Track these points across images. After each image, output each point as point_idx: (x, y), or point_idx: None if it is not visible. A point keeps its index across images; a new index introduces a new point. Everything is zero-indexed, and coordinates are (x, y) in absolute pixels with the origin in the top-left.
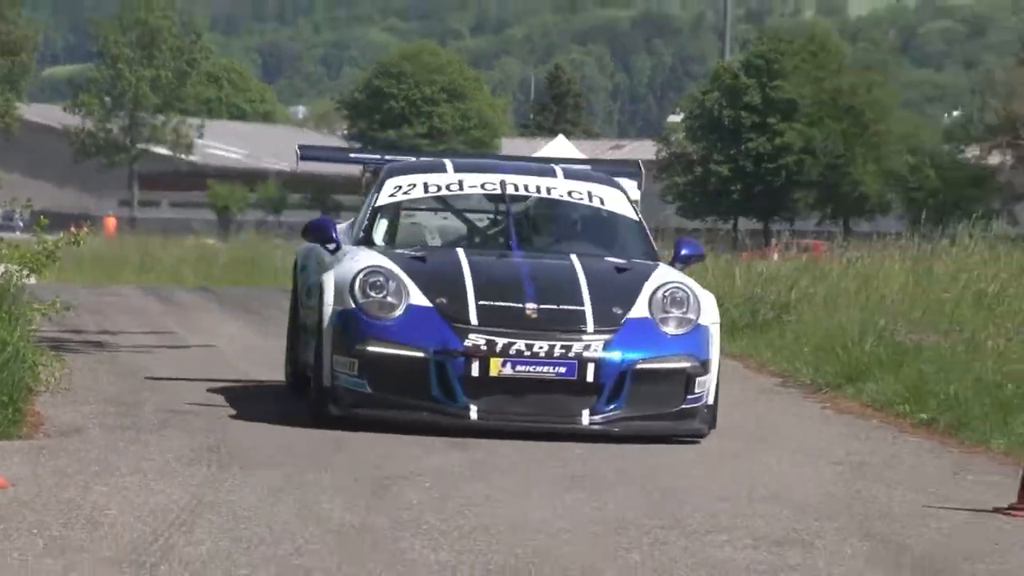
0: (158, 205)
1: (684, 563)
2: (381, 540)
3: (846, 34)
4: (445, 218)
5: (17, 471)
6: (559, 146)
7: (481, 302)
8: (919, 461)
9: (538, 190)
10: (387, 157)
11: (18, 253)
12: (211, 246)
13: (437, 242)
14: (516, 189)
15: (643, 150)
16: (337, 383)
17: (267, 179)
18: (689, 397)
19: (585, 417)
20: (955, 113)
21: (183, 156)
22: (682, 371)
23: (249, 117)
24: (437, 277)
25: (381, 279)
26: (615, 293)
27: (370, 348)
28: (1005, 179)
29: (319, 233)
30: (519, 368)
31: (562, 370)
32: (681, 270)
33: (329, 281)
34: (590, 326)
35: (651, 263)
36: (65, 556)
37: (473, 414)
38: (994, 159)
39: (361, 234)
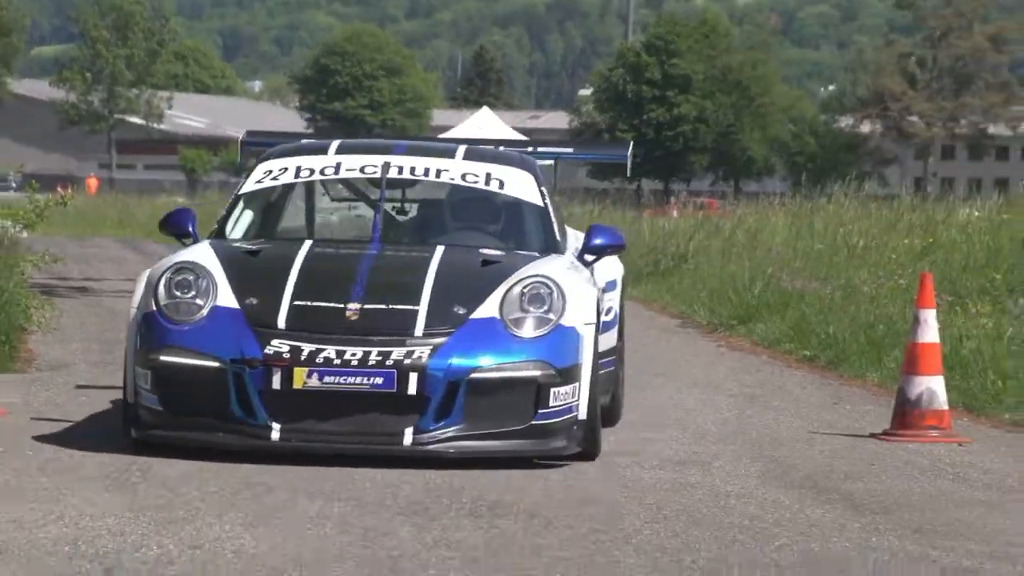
0: (134, 167)
1: (599, 481)
2: (325, 462)
3: (734, 18)
4: (353, 208)
5: (12, 400)
6: (483, 117)
7: (297, 302)
8: (803, 392)
9: (426, 173)
10: (347, 141)
11: (11, 211)
12: (181, 204)
13: (326, 235)
14: (400, 172)
15: (557, 120)
16: (138, 400)
17: (228, 145)
18: (542, 411)
19: (408, 437)
20: (830, 87)
21: (155, 125)
22: (531, 380)
23: (212, 91)
24: (259, 274)
25: (190, 277)
26: (464, 290)
27: (162, 358)
28: (874, 145)
29: (174, 226)
30: (327, 379)
31: (378, 381)
32: (590, 263)
33: (140, 280)
34: (418, 329)
35: (535, 255)
36: (57, 475)
37: (275, 434)
38: (865, 128)
39: (215, 225)
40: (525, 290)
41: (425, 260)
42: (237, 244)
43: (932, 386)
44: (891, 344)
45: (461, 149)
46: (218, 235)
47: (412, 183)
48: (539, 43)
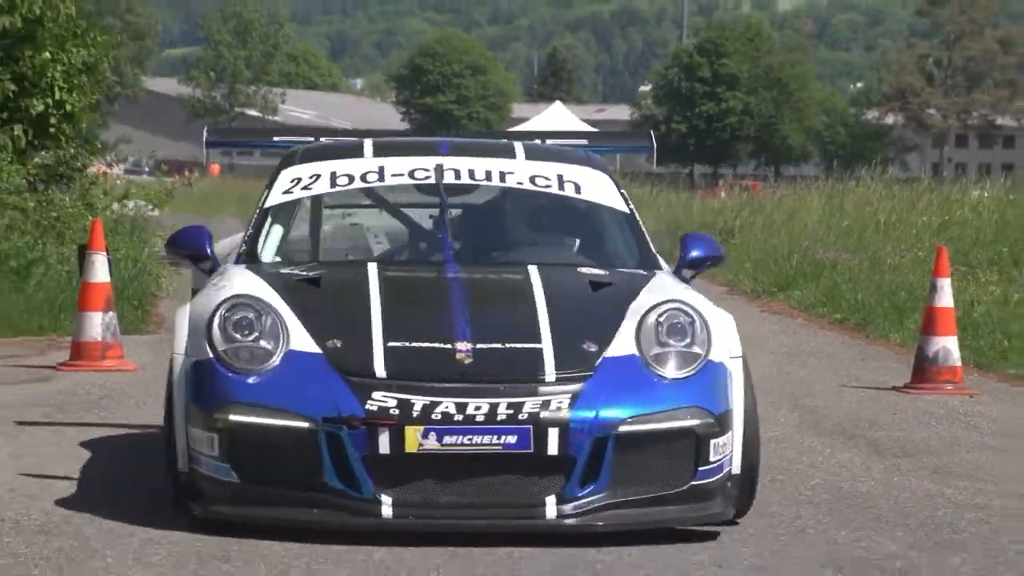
0: (251, 154)
1: None
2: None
3: (775, 23)
4: (347, 215)
5: (145, 358)
6: (556, 110)
7: (392, 343)
8: (834, 350)
9: (488, 176)
10: (322, 140)
11: (144, 192)
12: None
13: (353, 254)
14: (457, 176)
15: (620, 113)
16: (196, 468)
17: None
18: (702, 469)
19: (551, 507)
20: (859, 84)
21: (270, 117)
22: (688, 432)
23: (320, 88)
24: (332, 309)
25: (250, 315)
26: (587, 321)
27: (233, 417)
28: (897, 135)
29: (188, 247)
30: (448, 440)
31: (511, 440)
32: (690, 279)
33: (181, 320)
34: (549, 372)
35: (644, 272)
36: None
37: (386, 510)
38: (889, 119)
39: (243, 247)
40: (661, 319)
41: (524, 284)
42: (288, 271)
43: (947, 345)
44: (911, 308)
45: (520, 147)
46: (249, 257)
47: (472, 188)
48: (605, 45)
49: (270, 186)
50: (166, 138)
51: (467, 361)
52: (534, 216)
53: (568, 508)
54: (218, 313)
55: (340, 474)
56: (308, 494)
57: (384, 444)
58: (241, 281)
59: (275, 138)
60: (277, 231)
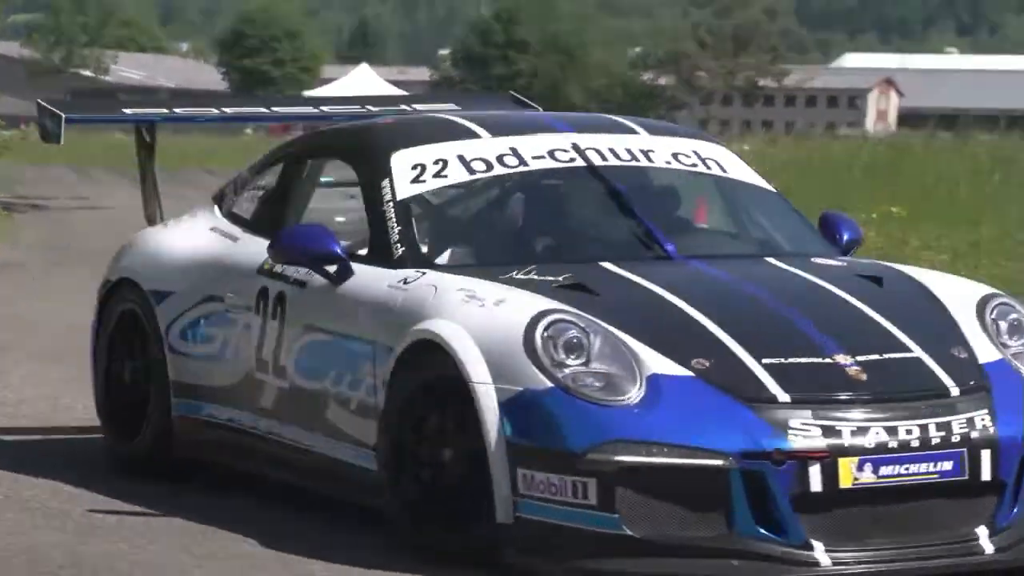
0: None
1: None
2: None
3: None
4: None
5: None
6: (362, 72)
7: (766, 360)
8: None
9: (632, 156)
10: (176, 111)
11: None
12: (120, 139)
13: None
14: (602, 157)
15: (420, 74)
16: (535, 519)
17: (159, 92)
18: None
19: (985, 540)
20: (638, 49)
21: (103, 77)
22: None
23: (148, 50)
24: (653, 321)
25: (576, 333)
26: (924, 323)
27: (619, 458)
28: (670, 94)
29: (310, 249)
30: (884, 471)
31: (947, 467)
32: None
33: (463, 341)
34: (951, 386)
35: (869, 262)
36: (6, 353)
37: (823, 557)
38: (662, 81)
39: (400, 248)
40: (994, 316)
41: (804, 281)
42: (529, 278)
43: None
44: None
45: (632, 122)
46: (417, 260)
47: (626, 171)
48: (410, 14)
49: (387, 175)
50: (10, 96)
51: (862, 377)
52: (703, 200)
53: (1001, 540)
54: (537, 333)
55: (759, 518)
56: (719, 543)
57: (815, 480)
58: (514, 291)
59: (126, 111)
60: (425, 228)
